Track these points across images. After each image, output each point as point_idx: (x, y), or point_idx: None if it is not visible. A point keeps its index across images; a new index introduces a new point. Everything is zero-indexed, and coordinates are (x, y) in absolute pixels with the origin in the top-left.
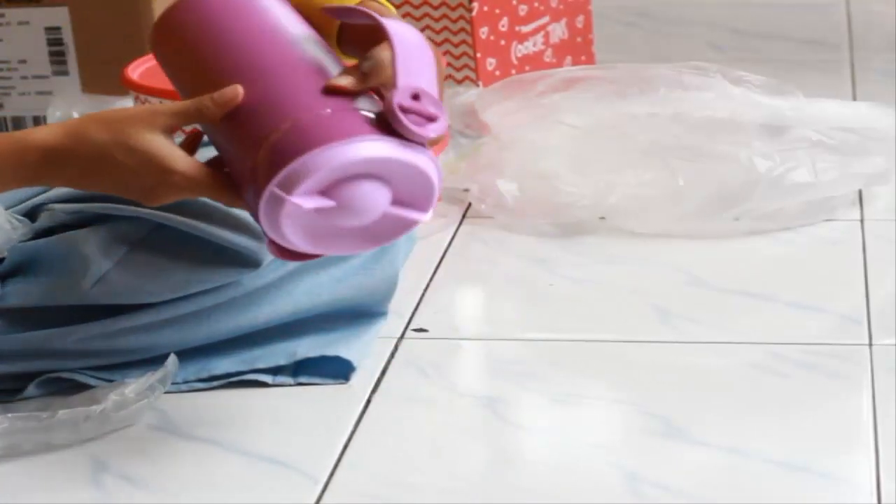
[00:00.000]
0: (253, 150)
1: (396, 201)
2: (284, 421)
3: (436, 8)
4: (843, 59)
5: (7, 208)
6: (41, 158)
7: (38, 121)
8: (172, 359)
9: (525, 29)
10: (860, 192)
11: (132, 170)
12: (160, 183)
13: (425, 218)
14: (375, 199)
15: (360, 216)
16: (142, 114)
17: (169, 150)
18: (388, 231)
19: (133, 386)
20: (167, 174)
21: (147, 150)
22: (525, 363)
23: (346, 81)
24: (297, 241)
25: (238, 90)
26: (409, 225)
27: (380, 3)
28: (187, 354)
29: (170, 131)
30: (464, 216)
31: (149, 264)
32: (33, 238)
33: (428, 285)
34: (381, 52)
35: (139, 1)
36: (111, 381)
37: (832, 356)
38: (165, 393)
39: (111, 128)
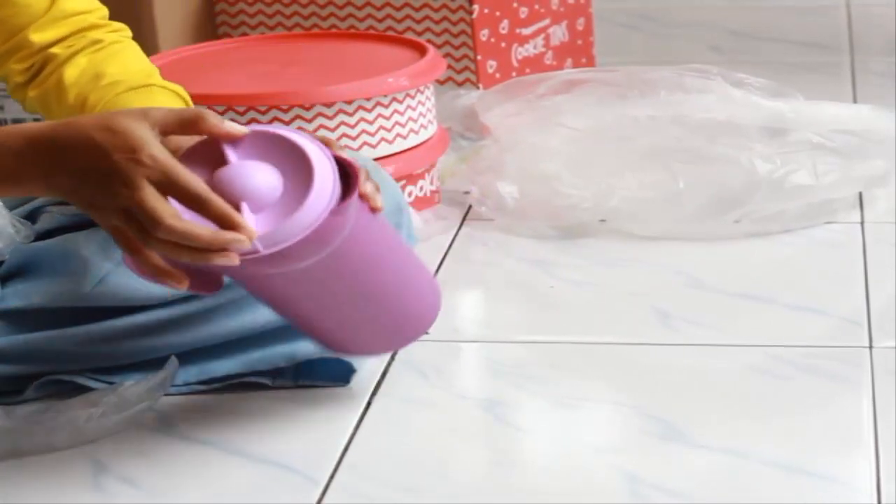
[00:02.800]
0: None
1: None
2: (285, 423)
3: (436, 10)
4: (844, 61)
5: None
6: (23, 144)
7: None
8: (172, 361)
9: (525, 31)
10: (860, 195)
11: (102, 150)
12: (125, 161)
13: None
14: None
15: None
16: (137, 108)
17: (145, 133)
18: None
19: (133, 388)
20: (136, 152)
21: (124, 129)
22: (525, 365)
23: None
24: None
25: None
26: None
27: None
28: (188, 356)
29: (161, 128)
30: (464, 218)
31: None
32: (34, 240)
33: None
34: None
35: (139, 1)
36: (111, 383)
37: (832, 359)
38: (166, 395)
39: (101, 115)
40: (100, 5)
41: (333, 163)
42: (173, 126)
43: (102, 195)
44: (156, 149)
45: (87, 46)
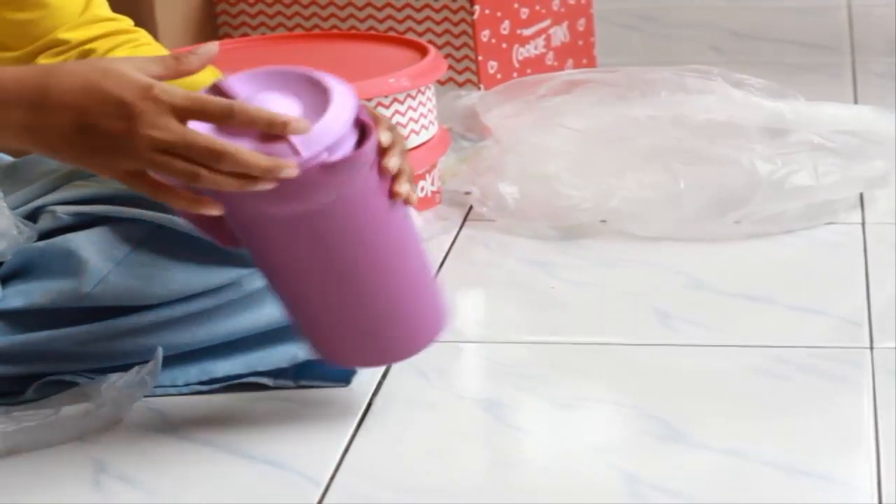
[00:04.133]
0: None
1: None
2: (285, 423)
3: (437, 11)
4: (845, 62)
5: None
6: (10, 83)
7: None
8: (159, 350)
9: (526, 32)
10: (861, 196)
11: (110, 95)
12: (143, 101)
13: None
14: None
15: None
16: (119, 57)
17: (141, 73)
18: None
19: (124, 379)
20: (148, 90)
21: (119, 70)
22: (526, 366)
23: None
24: None
25: (215, 46)
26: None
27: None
28: (188, 356)
29: (146, 73)
30: (465, 219)
31: (149, 266)
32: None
33: None
34: None
35: (139, 1)
36: None
37: (833, 359)
38: (166, 395)
39: (88, 60)
40: (127, 18)
41: (356, 99)
42: (159, 72)
43: (119, 141)
44: (162, 83)
45: (126, 43)
